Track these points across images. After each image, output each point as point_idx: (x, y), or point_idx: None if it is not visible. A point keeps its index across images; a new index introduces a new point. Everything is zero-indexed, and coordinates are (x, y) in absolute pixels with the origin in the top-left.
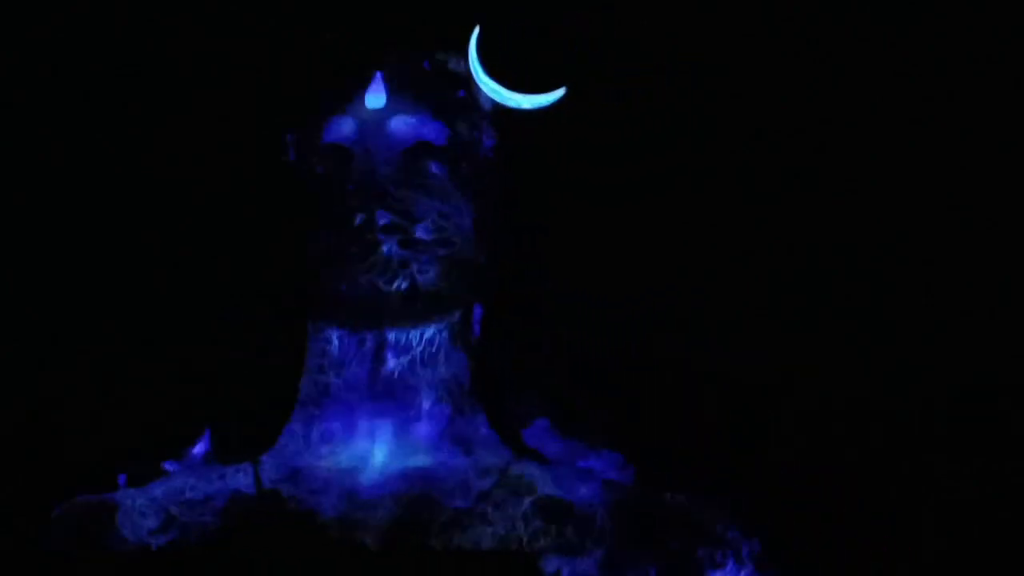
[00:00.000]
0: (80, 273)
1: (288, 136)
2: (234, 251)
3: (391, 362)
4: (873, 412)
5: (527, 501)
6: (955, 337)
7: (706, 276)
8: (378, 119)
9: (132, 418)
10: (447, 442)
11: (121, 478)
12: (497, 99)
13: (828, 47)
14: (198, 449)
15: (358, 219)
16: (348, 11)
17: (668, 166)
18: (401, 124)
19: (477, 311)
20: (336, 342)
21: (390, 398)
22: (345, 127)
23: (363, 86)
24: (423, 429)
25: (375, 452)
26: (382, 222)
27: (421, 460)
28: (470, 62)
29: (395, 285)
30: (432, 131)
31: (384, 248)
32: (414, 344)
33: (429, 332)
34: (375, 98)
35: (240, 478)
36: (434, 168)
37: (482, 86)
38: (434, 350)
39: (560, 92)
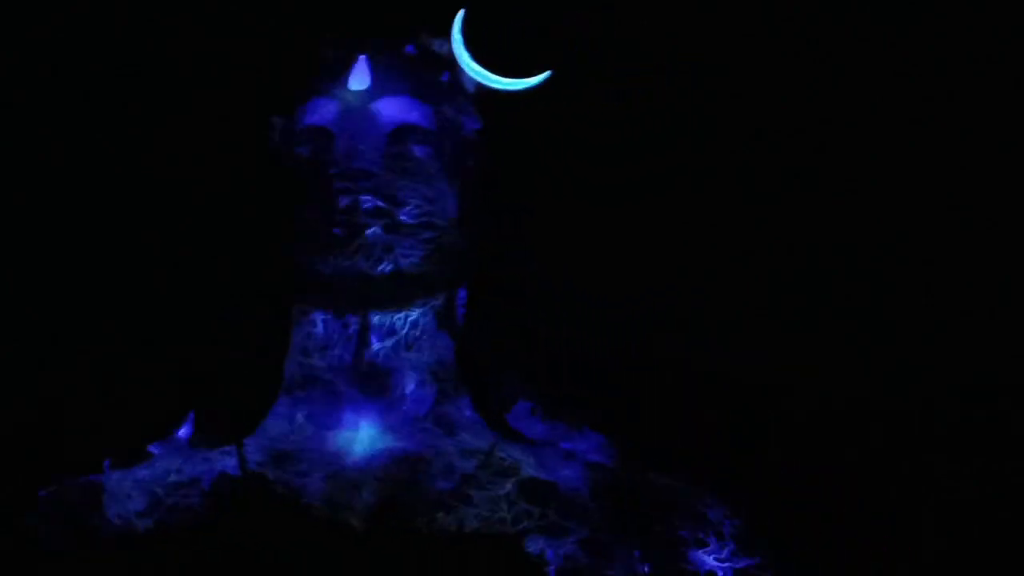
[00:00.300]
0: (64, 256)
1: (273, 119)
2: (218, 235)
3: (376, 345)
4: (873, 412)
5: (511, 482)
6: (955, 337)
7: (691, 259)
8: (362, 102)
9: (116, 401)
10: (431, 424)
11: (106, 461)
12: (481, 82)
13: (828, 46)
14: (183, 432)
15: (343, 203)
16: None
17: (652, 151)
18: (385, 107)
19: (461, 295)
20: (321, 325)
21: (375, 381)
22: (328, 110)
23: (347, 69)
24: (407, 411)
25: (360, 434)
26: (366, 206)
27: (405, 442)
28: (454, 45)
29: (379, 269)
30: (416, 114)
31: (368, 232)
32: (399, 327)
33: (413, 315)
34: (359, 81)
35: (225, 460)
36: (418, 151)
37: (466, 69)
38: (418, 333)
39: (545, 75)
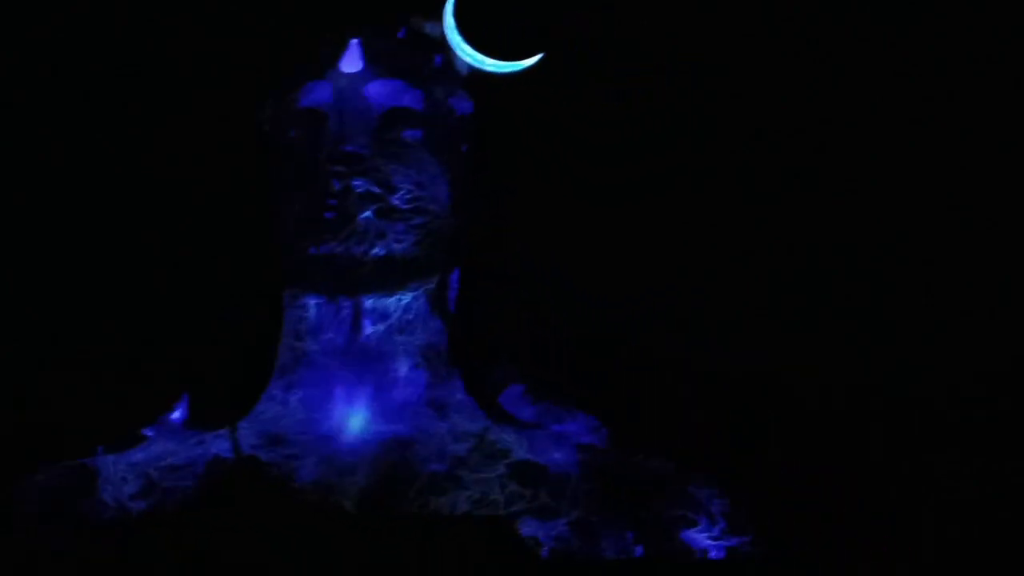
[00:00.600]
0: (59, 245)
1: (265, 102)
2: (210, 220)
3: (368, 328)
4: (872, 412)
5: (503, 465)
6: (955, 337)
7: (685, 241)
8: (354, 85)
9: (110, 384)
10: (424, 407)
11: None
12: (474, 65)
13: (828, 45)
14: (176, 415)
15: (335, 186)
16: None
17: (649, 136)
18: (377, 90)
19: (454, 278)
20: (313, 309)
21: (367, 364)
22: (321, 92)
23: (340, 52)
24: (400, 395)
25: (352, 418)
26: (359, 190)
27: (398, 425)
28: (446, 28)
29: (371, 253)
30: (408, 97)
31: (361, 217)
32: (391, 311)
33: (406, 299)
34: (351, 64)
35: (219, 443)
36: (410, 135)
37: (458, 52)
38: (411, 317)
39: (537, 58)
